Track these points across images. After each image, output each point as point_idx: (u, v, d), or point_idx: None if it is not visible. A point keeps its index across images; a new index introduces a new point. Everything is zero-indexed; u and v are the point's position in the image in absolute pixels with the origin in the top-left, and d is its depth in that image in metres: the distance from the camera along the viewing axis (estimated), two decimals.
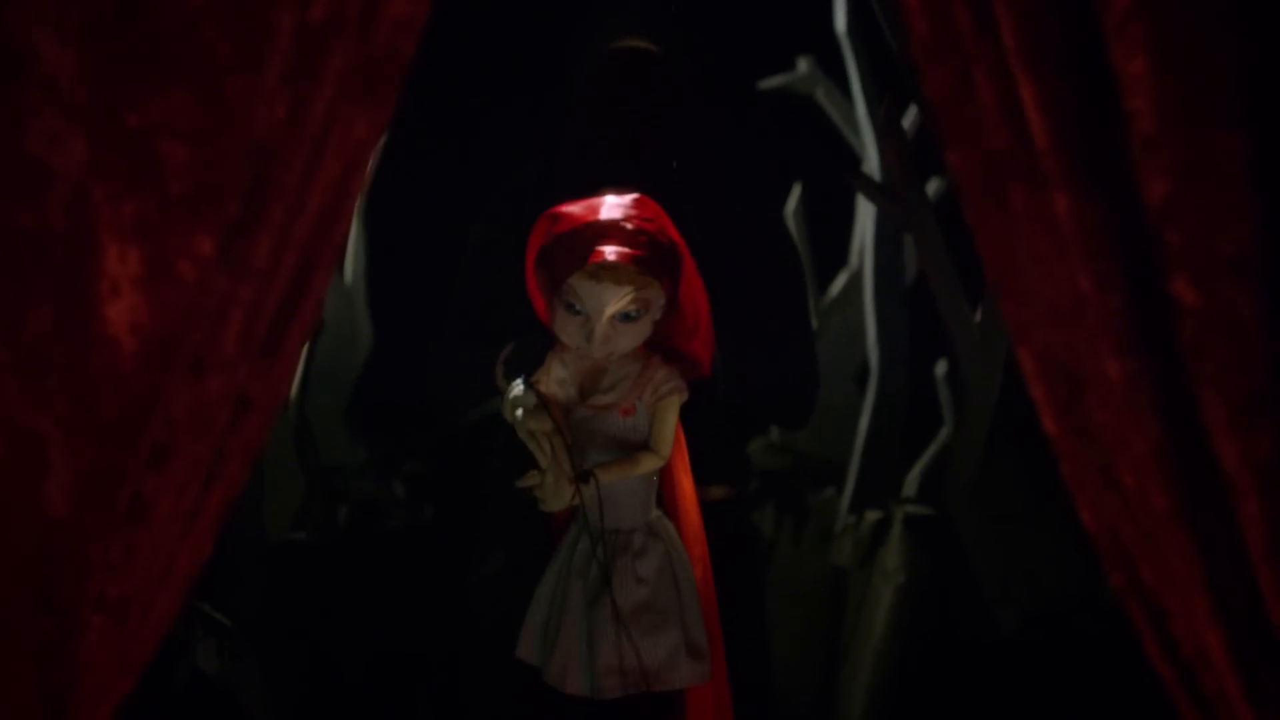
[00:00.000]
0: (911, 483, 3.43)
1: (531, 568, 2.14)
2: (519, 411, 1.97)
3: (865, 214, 3.61)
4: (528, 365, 2.06)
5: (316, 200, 1.54)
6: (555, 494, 1.95)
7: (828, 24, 3.59)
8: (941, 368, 3.47)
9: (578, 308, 1.97)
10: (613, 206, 1.98)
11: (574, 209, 1.99)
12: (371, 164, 3.58)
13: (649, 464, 2.00)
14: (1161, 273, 1.44)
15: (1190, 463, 1.47)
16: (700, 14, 2.68)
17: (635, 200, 1.99)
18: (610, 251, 1.92)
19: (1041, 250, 1.51)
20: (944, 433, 3.44)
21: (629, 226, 1.95)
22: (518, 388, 1.98)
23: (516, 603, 2.14)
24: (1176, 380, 1.47)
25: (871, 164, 3.56)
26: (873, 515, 3.37)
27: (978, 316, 2.88)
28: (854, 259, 3.71)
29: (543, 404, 1.96)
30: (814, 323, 3.58)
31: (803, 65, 3.75)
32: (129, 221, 1.43)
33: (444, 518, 3.42)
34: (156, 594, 1.47)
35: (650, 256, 1.95)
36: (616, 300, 1.95)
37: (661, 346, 2.07)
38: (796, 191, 3.75)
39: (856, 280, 3.68)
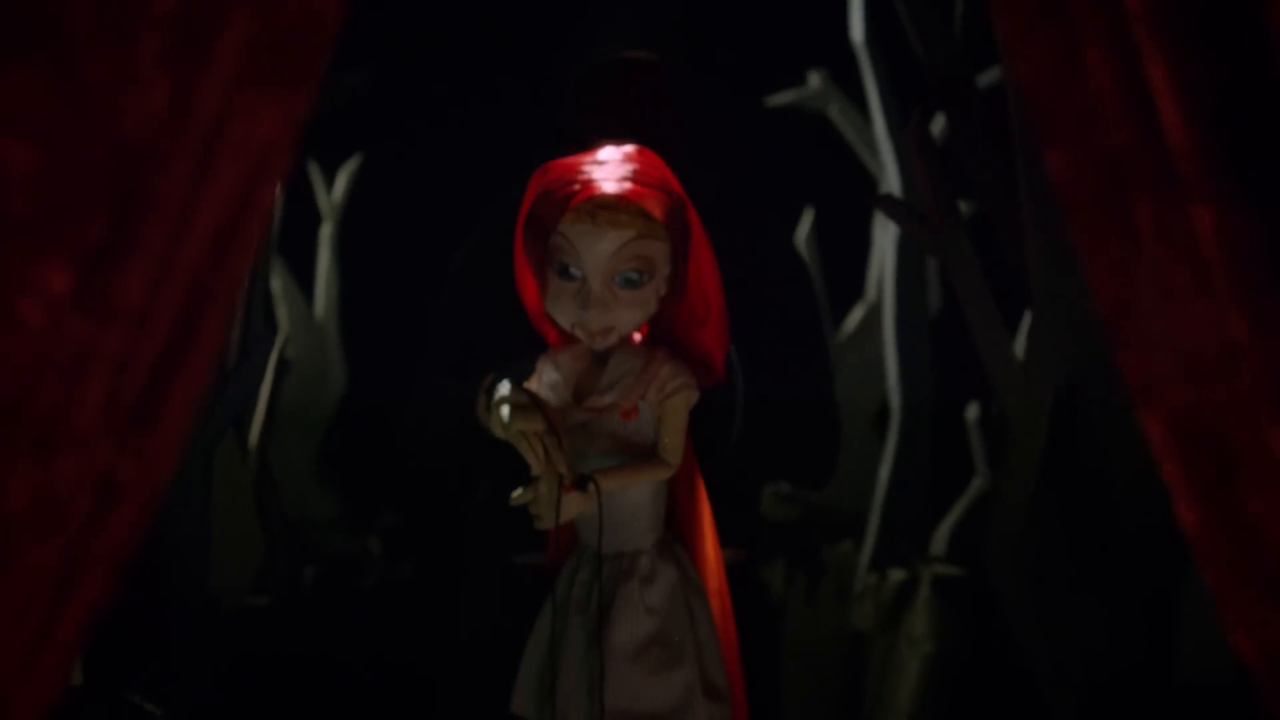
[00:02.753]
0: (940, 540, 3.20)
1: (525, 629, 1.93)
2: (505, 410, 1.78)
3: (884, 241, 3.43)
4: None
5: (209, 219, 1.13)
6: (550, 504, 1.76)
7: (842, 34, 3.38)
8: (973, 411, 3.25)
9: (572, 269, 1.79)
10: (613, 150, 1.82)
11: (569, 158, 1.84)
12: (345, 186, 3.65)
13: (657, 472, 1.82)
14: None
15: None
16: (703, 23, 2.46)
17: (639, 148, 1.84)
18: (610, 185, 1.77)
19: (1177, 283, 1.11)
20: (976, 484, 3.22)
21: (632, 166, 1.79)
22: (504, 387, 1.80)
23: (508, 665, 1.94)
24: None
25: (891, 186, 3.37)
26: (897, 575, 3.17)
27: (1020, 353, 2.63)
28: (871, 291, 3.54)
29: (533, 401, 1.78)
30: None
31: (815, 80, 3.54)
32: None
33: (426, 575, 3.29)
34: None
35: (656, 200, 1.79)
36: (617, 248, 1.77)
37: (668, 337, 1.87)
38: (808, 217, 3.57)
39: (874, 314, 3.51)
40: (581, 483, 1.77)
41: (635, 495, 1.83)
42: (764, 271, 2.39)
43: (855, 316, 3.56)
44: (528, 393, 1.80)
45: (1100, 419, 2.53)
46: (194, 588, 2.65)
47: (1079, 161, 1.17)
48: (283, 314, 3.56)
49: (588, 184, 1.78)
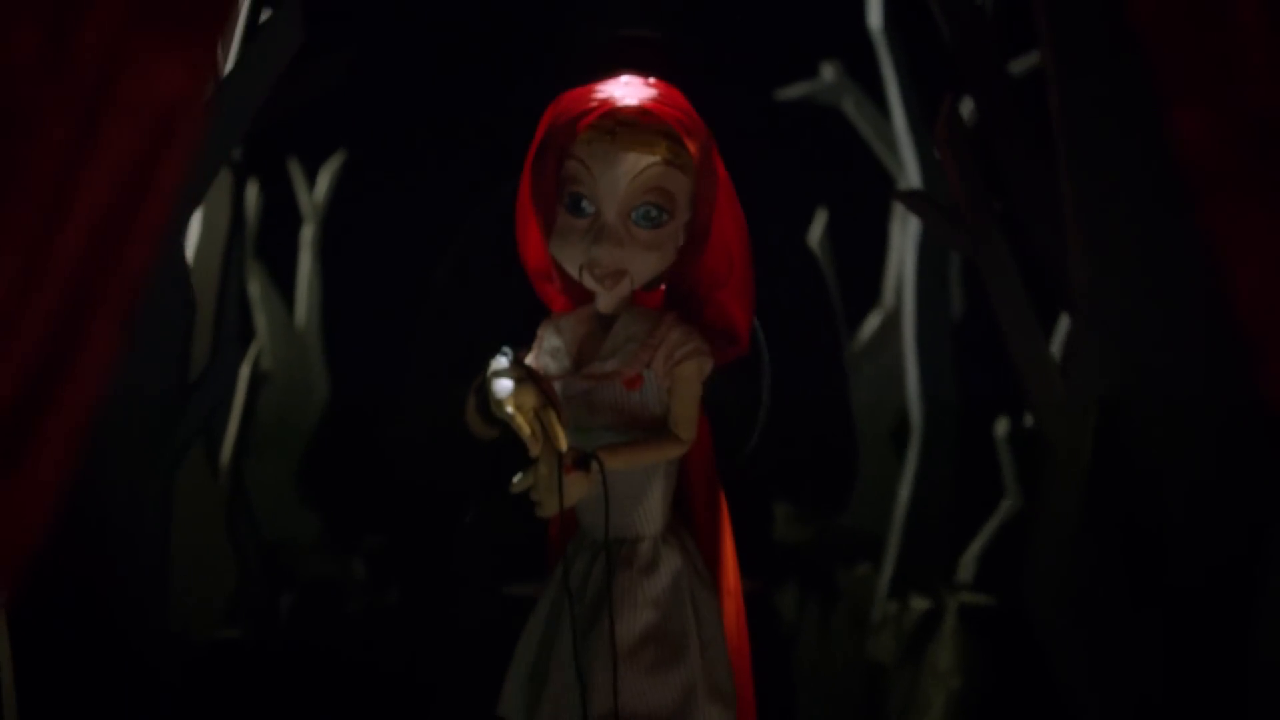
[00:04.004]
0: (967, 566, 3.01)
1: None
2: (496, 385, 1.66)
3: (902, 243, 3.29)
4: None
5: (94, 200, 0.85)
6: (551, 488, 1.64)
7: (858, 21, 3.21)
8: (1003, 426, 3.06)
9: (584, 202, 1.67)
10: (637, 77, 1.71)
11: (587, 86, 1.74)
12: (327, 185, 3.52)
13: (666, 449, 1.70)
14: None
15: None
16: (707, 11, 2.42)
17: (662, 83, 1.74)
18: (634, 98, 1.66)
19: None
20: (1006, 505, 3.04)
21: (659, 90, 1.69)
22: (499, 360, 1.68)
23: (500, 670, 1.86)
24: None
25: (910, 185, 3.20)
26: (920, 603, 2.98)
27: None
28: (889, 296, 3.42)
29: (528, 374, 1.66)
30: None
31: (828, 72, 3.37)
32: None
33: (412, 601, 3.09)
34: None
35: (683, 125, 1.68)
36: (638, 171, 1.66)
37: (687, 303, 1.75)
38: (821, 218, 3.45)
39: (893, 321, 3.38)
40: (583, 461, 1.66)
41: (639, 475, 1.71)
42: (773, 276, 2.15)
43: (871, 324, 3.43)
44: (522, 365, 1.68)
45: (1152, 436, 2.29)
46: (154, 622, 2.41)
47: (1215, 126, 0.89)
48: (261, 322, 3.44)
49: (607, 100, 1.66)
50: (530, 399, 1.64)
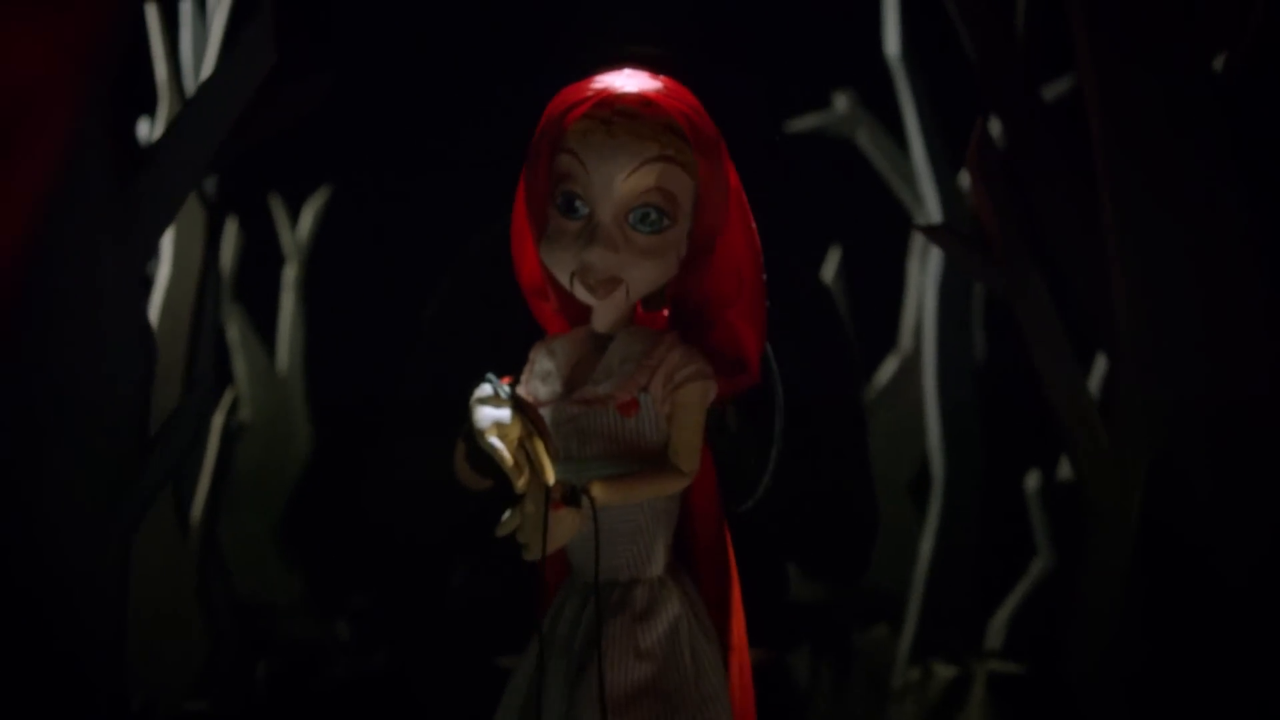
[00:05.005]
0: (997, 631, 2.86)
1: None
2: (480, 413, 1.56)
3: (922, 282, 3.15)
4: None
5: None
6: (537, 526, 1.52)
7: (874, 48, 3.07)
8: (1034, 480, 2.90)
9: (577, 201, 1.57)
10: (640, 71, 1.62)
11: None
12: (311, 223, 3.34)
13: (667, 482, 1.59)
14: None
15: None
16: (713, 38, 2.25)
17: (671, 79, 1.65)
18: (632, 87, 1.57)
19: None
20: (1038, 565, 2.88)
21: (663, 83, 1.59)
22: (483, 388, 1.58)
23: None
24: None
25: (930, 221, 3.10)
26: (944, 670, 2.83)
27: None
28: (906, 340, 3.27)
29: (514, 401, 1.55)
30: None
31: (841, 102, 3.23)
32: None
33: (400, 664, 3.05)
34: None
35: (687, 119, 1.59)
36: (635, 166, 1.56)
37: (693, 323, 1.64)
38: (834, 257, 3.33)
39: (910, 366, 3.24)
40: (572, 496, 1.54)
41: (636, 511, 1.60)
42: (785, 313, 2.03)
43: (888, 369, 3.28)
44: (507, 391, 1.57)
45: (1207, 490, 2.12)
46: (109, 698, 2.19)
47: None
48: (240, 367, 3.31)
49: (606, 89, 1.56)
50: (515, 428, 1.54)
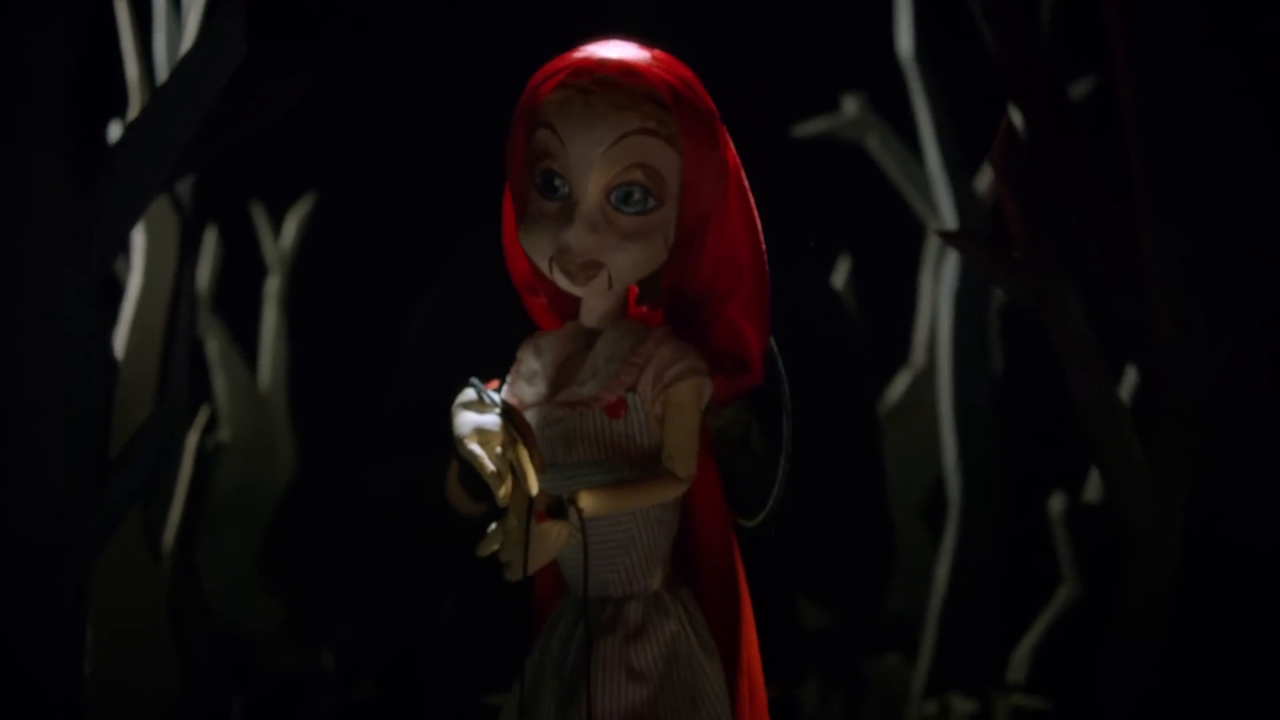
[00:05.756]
0: (1020, 663, 2.76)
1: None
2: (459, 418, 1.51)
3: (936, 295, 3.06)
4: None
5: None
6: (518, 543, 1.45)
7: (885, 47, 2.99)
8: (1058, 502, 2.78)
9: (557, 180, 1.50)
10: (630, 42, 1.55)
11: None
12: (295, 232, 3.32)
13: (660, 490, 1.51)
14: None
15: None
16: (715, 36, 2.21)
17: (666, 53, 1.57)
18: (614, 55, 1.49)
19: None
20: (1063, 593, 2.77)
21: (651, 53, 1.51)
22: (465, 392, 1.54)
23: None
24: None
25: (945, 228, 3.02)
26: (962, 704, 2.76)
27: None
28: (918, 354, 3.18)
29: (499, 406, 1.50)
30: None
31: (850, 105, 3.15)
32: None
33: (387, 696, 2.94)
34: None
35: (674, 90, 1.50)
36: (615, 139, 1.48)
37: (691, 319, 1.56)
38: (843, 267, 3.20)
39: (923, 382, 3.14)
40: (557, 508, 1.47)
41: (628, 521, 1.53)
42: (792, 320, 1.95)
43: (899, 385, 3.18)
44: (490, 395, 1.52)
45: (1256, 518, 2.00)
46: None
47: None
48: (220, 384, 3.21)
49: (587, 56, 1.49)
50: (497, 434, 1.47)
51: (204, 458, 2.63)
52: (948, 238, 2.46)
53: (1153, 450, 2.07)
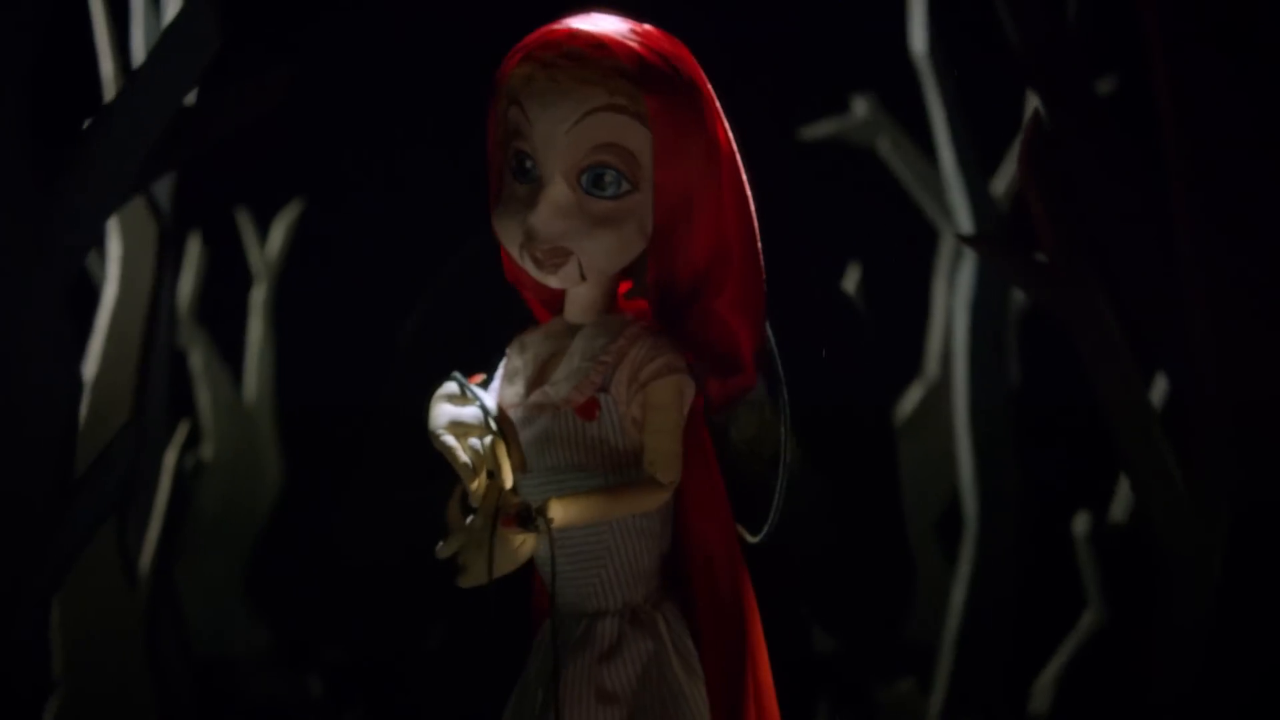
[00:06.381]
0: (1042, 693, 2.63)
1: None
2: (439, 409, 1.45)
3: (950, 302, 2.95)
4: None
5: None
6: (479, 545, 1.38)
7: (898, 45, 2.88)
8: (1083, 522, 2.67)
9: (528, 161, 1.44)
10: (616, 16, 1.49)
11: None
12: (282, 240, 3.27)
13: (641, 497, 1.43)
14: None
15: None
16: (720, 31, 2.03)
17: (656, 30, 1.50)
18: (588, 27, 1.42)
19: None
20: (1088, 618, 2.65)
21: (631, 25, 1.44)
22: (449, 385, 1.48)
23: None
24: None
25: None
26: None
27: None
28: (931, 366, 3.08)
29: (481, 403, 1.44)
30: None
31: (860, 107, 3.05)
32: None
33: None
34: None
35: (642, 58, 1.42)
36: (579, 117, 1.41)
37: (680, 316, 1.47)
38: (852, 276, 3.09)
39: (937, 395, 3.05)
40: (526, 517, 1.39)
41: (605, 532, 1.45)
42: (802, 325, 1.86)
43: (911, 399, 3.09)
44: (472, 389, 1.47)
45: None
46: None
47: None
48: (203, 398, 3.12)
49: (558, 28, 1.43)
50: (475, 427, 1.41)
51: (183, 476, 2.54)
52: (971, 242, 2.36)
53: (1190, 463, 1.96)
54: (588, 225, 1.41)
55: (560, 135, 1.39)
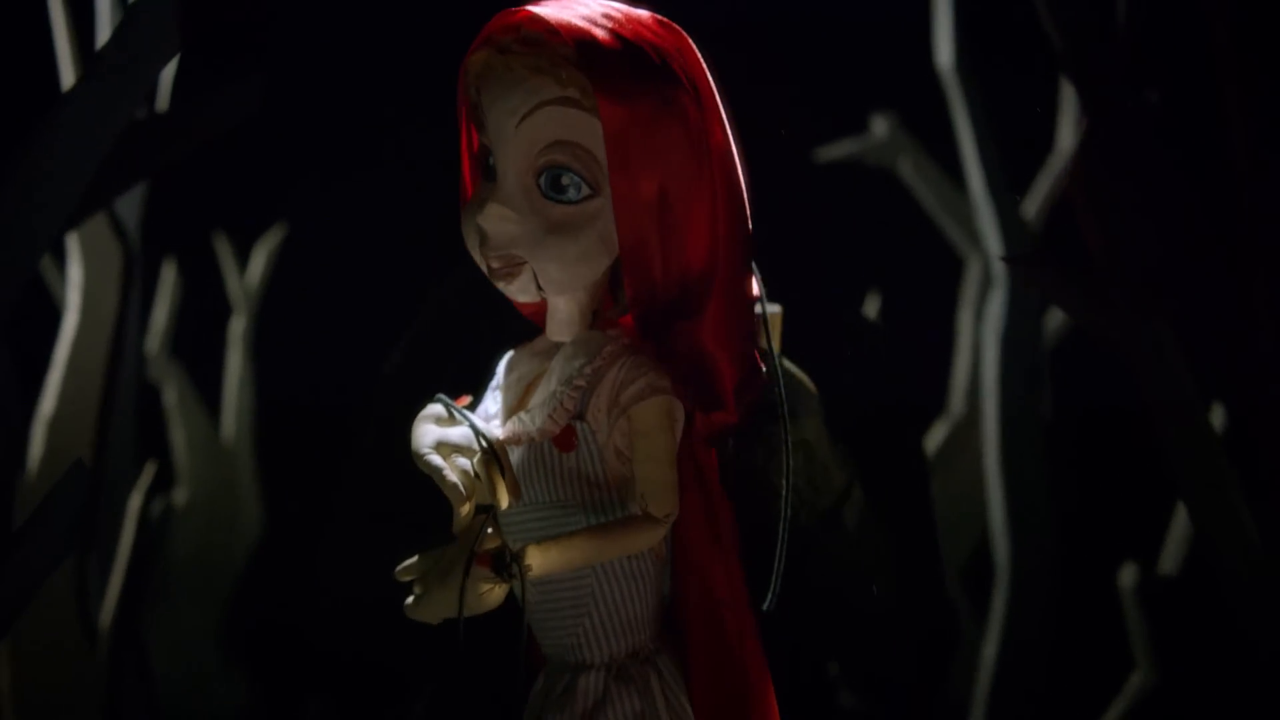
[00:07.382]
0: None
1: None
2: (423, 429, 1.34)
3: (977, 333, 2.76)
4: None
5: None
6: (445, 577, 1.28)
7: (922, 59, 2.68)
8: (1130, 574, 2.46)
9: (492, 158, 1.32)
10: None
11: None
12: (262, 267, 3.04)
13: (632, 536, 1.30)
14: None
15: None
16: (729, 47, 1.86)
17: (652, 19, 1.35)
18: (549, 11, 1.29)
19: None
20: (1136, 680, 2.44)
21: (599, 8, 1.29)
22: (434, 406, 1.38)
23: None
24: None
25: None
26: None
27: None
28: (956, 402, 2.86)
29: (470, 423, 1.33)
30: None
31: (880, 127, 2.86)
32: None
33: None
34: None
35: (599, 46, 1.26)
36: (529, 109, 1.27)
37: (656, 329, 1.35)
38: (872, 306, 2.89)
39: (964, 433, 2.82)
40: (500, 564, 1.30)
41: (587, 575, 1.35)
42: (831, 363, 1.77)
43: (935, 436, 2.88)
44: (460, 411, 1.38)
45: None
46: None
47: None
48: (178, 437, 2.92)
49: (515, 10, 1.33)
50: (465, 449, 1.32)
51: (150, 521, 2.34)
52: (1017, 264, 2.20)
53: (1264, 517, 1.78)
54: (541, 232, 1.30)
55: (511, 129, 1.29)
